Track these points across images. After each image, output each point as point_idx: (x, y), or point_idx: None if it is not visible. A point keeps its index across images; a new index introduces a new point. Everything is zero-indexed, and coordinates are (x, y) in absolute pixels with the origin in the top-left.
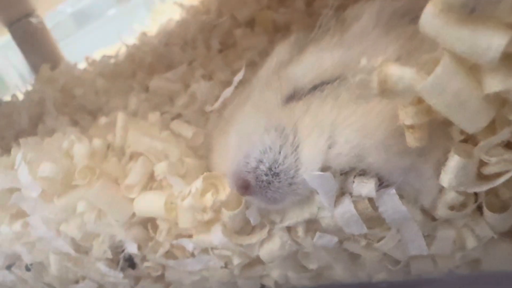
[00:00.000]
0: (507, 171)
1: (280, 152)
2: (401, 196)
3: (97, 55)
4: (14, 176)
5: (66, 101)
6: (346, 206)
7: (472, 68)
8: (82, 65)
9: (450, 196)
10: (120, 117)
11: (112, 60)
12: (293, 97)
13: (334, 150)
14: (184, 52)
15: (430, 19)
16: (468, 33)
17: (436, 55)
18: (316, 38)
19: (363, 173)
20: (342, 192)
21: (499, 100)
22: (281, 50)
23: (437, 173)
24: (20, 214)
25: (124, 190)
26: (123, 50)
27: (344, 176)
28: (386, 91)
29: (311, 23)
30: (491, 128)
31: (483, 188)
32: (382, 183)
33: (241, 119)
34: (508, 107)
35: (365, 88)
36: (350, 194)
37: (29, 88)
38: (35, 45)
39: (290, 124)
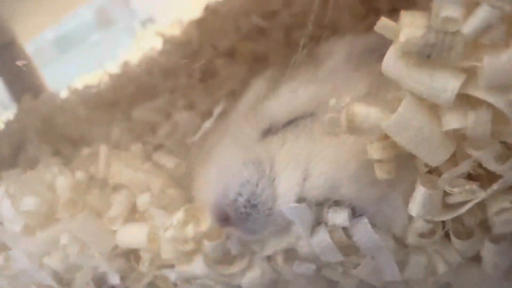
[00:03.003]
0: (469, 201)
1: (257, 185)
2: (373, 225)
3: (80, 82)
4: None
5: (48, 130)
6: (322, 235)
7: (432, 107)
8: (64, 92)
9: (419, 224)
10: (103, 149)
11: (94, 90)
12: (269, 131)
13: (309, 182)
14: (166, 81)
15: (391, 63)
16: (426, 76)
17: (400, 94)
18: (292, 74)
19: (337, 203)
20: (318, 222)
21: (458, 136)
22: (258, 85)
23: (406, 202)
24: (1, 247)
25: (107, 222)
26: (105, 79)
27: (319, 206)
28: (354, 128)
29: (289, 53)
30: (453, 160)
31: (448, 216)
32: (355, 213)
33: (220, 152)
34: (467, 142)
35: (335, 126)
36: (325, 223)
37: (11, 117)
38: (16, 73)
39: (266, 158)
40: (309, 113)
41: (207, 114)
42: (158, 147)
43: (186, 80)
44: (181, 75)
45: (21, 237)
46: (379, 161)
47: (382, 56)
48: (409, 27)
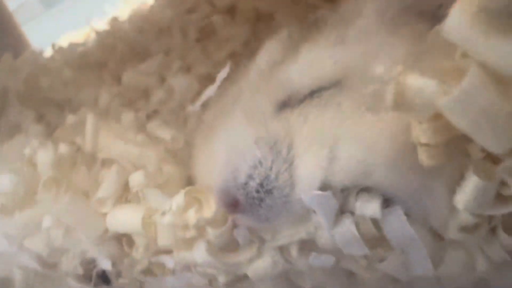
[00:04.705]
0: None
1: (272, 168)
2: (408, 216)
3: (66, 39)
4: None
5: (31, 93)
6: (347, 226)
7: (501, 82)
8: (49, 51)
9: (463, 218)
10: (90, 119)
11: (81, 48)
12: (287, 103)
13: (336, 165)
14: (159, 41)
15: (458, 24)
16: (507, 43)
17: (460, 64)
18: (312, 35)
19: (366, 190)
20: (342, 211)
21: None
22: (272, 48)
23: (450, 192)
24: None
25: (95, 204)
26: (92, 37)
27: (344, 193)
28: (402, 104)
29: (298, 12)
30: None
31: (502, 211)
32: (387, 202)
33: (229, 127)
34: None
35: (377, 100)
36: (351, 213)
37: None
38: None
39: (283, 136)
40: (336, 82)
41: (206, 78)
42: (152, 114)
43: (181, 39)
44: (175, 34)
45: None
46: (426, 145)
47: (421, 13)
48: None
